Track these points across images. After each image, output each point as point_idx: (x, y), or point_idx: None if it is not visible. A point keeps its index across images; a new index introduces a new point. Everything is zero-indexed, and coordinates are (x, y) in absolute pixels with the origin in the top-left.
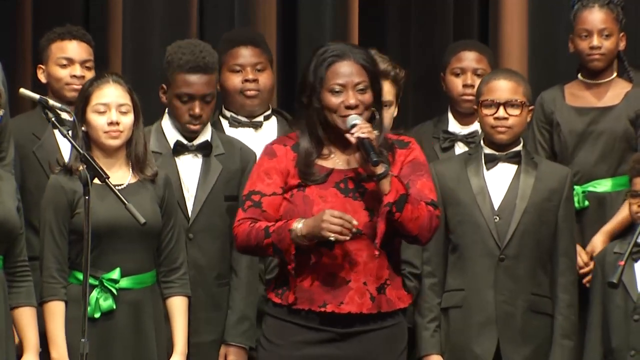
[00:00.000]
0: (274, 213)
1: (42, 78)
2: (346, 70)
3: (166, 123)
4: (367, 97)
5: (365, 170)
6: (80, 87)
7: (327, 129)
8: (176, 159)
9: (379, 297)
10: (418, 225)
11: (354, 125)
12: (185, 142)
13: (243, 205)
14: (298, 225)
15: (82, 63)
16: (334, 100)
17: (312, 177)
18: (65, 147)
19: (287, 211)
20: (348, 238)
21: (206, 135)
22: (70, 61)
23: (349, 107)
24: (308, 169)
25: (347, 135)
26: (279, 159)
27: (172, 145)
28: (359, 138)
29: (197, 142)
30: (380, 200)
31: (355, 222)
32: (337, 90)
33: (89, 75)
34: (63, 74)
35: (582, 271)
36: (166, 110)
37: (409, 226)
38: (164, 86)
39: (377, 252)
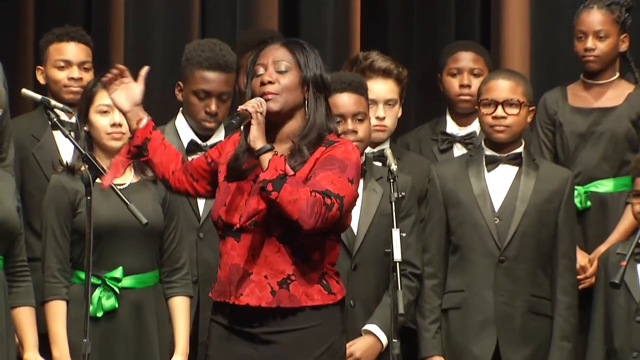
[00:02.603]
0: (195, 164)
1: (41, 80)
2: (269, 51)
3: (180, 122)
4: (289, 79)
5: (249, 146)
6: (78, 88)
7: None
8: (189, 158)
9: (280, 292)
10: (297, 209)
11: None
12: (199, 141)
13: None
14: None
15: (80, 65)
16: (255, 81)
17: (233, 174)
18: (64, 149)
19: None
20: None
21: (220, 135)
22: (68, 63)
23: (263, 84)
24: (235, 163)
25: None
26: (228, 143)
27: (185, 145)
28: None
29: (210, 141)
30: None
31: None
32: (259, 72)
33: (87, 76)
34: (60, 76)
35: (580, 277)
36: (180, 110)
37: (288, 209)
38: (180, 83)
39: (237, 225)
